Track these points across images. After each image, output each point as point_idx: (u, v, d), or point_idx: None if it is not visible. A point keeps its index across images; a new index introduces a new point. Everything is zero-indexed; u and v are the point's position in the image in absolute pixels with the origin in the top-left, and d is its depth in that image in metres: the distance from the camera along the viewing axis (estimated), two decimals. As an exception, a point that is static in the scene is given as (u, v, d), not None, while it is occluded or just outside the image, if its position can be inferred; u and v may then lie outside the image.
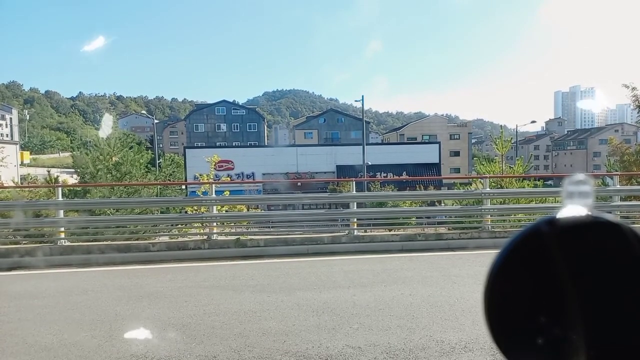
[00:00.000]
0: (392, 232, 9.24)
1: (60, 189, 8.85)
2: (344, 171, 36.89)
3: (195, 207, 10.04)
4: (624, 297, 0.53)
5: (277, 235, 8.82)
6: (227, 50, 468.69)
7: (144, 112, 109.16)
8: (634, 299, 0.53)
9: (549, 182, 37.30)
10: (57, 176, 21.46)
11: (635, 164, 16.81)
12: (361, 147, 31.75)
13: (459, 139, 64.45)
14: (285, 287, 5.87)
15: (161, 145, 68.83)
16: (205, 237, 8.64)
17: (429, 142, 49.52)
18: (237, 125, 71.18)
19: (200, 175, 12.50)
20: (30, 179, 39.81)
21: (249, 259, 7.84)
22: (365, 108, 35.82)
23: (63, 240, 8.27)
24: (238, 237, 8.66)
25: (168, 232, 9.78)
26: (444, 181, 35.84)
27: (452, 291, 5.52)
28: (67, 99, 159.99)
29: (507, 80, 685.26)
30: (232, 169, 35.99)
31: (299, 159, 39.10)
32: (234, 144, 61.30)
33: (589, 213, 0.54)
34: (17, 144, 58.02)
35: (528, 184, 13.98)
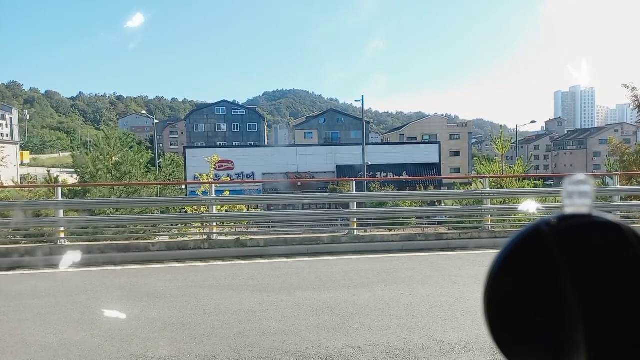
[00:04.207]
0: (392, 232, 9.24)
1: (60, 188, 8.85)
2: (344, 171, 36.88)
3: (195, 207, 10.04)
4: (624, 297, 0.53)
5: (277, 235, 8.82)
6: (227, 50, 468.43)
7: (144, 112, 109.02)
8: (634, 299, 0.53)
9: (549, 182, 37.31)
10: (57, 176, 21.45)
11: (635, 164, 16.79)
12: (361, 147, 31.74)
13: (459, 139, 64.48)
14: (285, 287, 5.87)
15: (161, 145, 68.81)
16: (205, 237, 8.64)
17: (429, 142, 49.56)
18: (237, 125, 71.19)
19: (200, 175, 12.50)
20: (30, 178, 39.76)
21: (248, 258, 7.84)
22: (365, 108, 35.84)
23: (63, 240, 8.27)
24: (238, 237, 8.66)
25: (168, 232, 9.79)
26: (444, 181, 35.81)
27: (452, 291, 5.52)
28: (67, 99, 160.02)
29: (507, 80, 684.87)
30: (232, 168, 35.99)
31: (299, 159, 39.09)
32: (234, 144, 61.25)
33: (589, 213, 0.54)
34: (17, 143, 58.03)
35: (528, 184, 13.99)
